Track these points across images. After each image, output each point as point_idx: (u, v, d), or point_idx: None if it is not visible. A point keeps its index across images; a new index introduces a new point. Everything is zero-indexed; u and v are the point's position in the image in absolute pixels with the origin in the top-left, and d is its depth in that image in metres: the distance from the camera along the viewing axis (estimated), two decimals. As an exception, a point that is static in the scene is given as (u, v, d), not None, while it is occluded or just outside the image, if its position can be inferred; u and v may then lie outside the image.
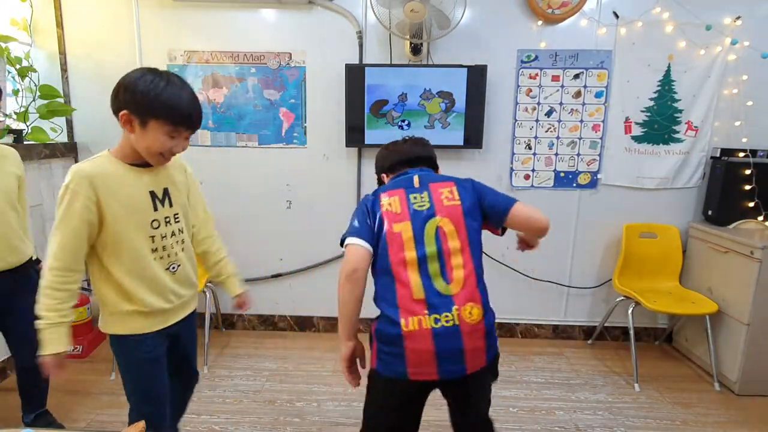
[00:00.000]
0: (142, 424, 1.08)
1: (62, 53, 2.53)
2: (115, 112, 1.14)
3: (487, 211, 1.23)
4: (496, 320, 1.22)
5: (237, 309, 1.56)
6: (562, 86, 2.52)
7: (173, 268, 1.29)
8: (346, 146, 2.55)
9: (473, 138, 2.50)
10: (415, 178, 1.27)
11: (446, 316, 1.09)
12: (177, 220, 1.29)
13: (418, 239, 1.15)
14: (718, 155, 2.49)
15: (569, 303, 2.75)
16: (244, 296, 1.53)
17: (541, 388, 2.27)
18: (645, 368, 2.43)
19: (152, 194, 1.23)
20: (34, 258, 1.75)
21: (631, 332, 2.35)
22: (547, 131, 2.57)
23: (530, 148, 2.59)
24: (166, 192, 1.26)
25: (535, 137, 2.58)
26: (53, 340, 1.15)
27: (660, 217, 2.63)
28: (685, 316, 2.52)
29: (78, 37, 2.53)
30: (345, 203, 2.69)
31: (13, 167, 1.63)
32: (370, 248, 1.17)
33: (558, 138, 2.57)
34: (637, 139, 2.56)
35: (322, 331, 2.85)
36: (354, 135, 2.51)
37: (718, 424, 2.01)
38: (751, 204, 2.45)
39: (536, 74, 2.51)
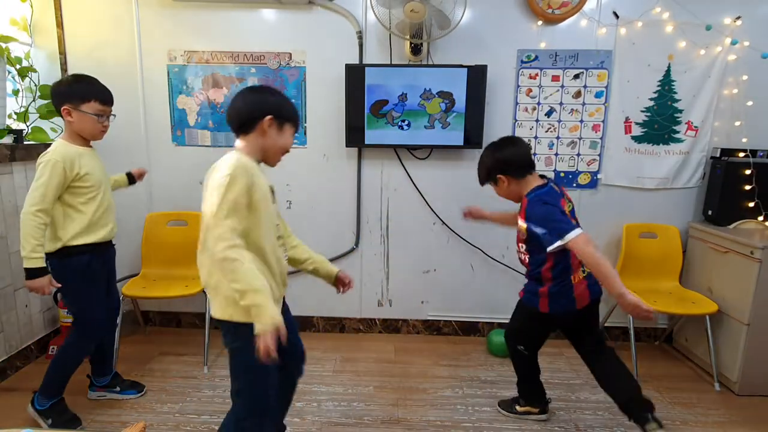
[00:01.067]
0: (142, 424, 1.09)
1: (62, 53, 2.53)
2: (258, 117, 1.33)
3: None
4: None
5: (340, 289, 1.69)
6: (562, 86, 2.52)
7: (285, 256, 1.49)
8: (346, 146, 2.55)
9: (473, 138, 2.50)
10: (554, 186, 1.75)
11: (586, 270, 1.71)
12: (279, 217, 1.49)
13: None
14: (718, 155, 2.49)
15: (569, 303, 2.75)
16: (342, 273, 1.69)
17: (541, 388, 2.27)
18: (645, 368, 2.43)
19: (270, 188, 1.40)
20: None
21: (631, 332, 2.35)
22: (547, 131, 2.57)
23: (530, 148, 2.59)
24: (272, 189, 1.41)
25: (535, 137, 2.58)
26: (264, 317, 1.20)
27: (660, 217, 2.63)
28: (685, 316, 2.52)
29: (78, 37, 2.53)
30: (345, 203, 2.69)
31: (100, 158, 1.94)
32: None
33: (558, 138, 2.57)
34: (637, 139, 2.56)
35: (322, 331, 2.85)
36: (354, 135, 2.51)
37: (718, 424, 2.01)
38: (751, 204, 2.45)
39: (536, 74, 2.52)
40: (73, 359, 1.87)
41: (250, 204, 1.26)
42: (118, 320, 2.30)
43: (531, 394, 2.01)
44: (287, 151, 1.43)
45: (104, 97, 1.78)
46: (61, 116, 1.75)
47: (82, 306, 1.86)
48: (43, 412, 1.84)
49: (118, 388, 2.09)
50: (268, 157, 1.41)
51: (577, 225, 1.60)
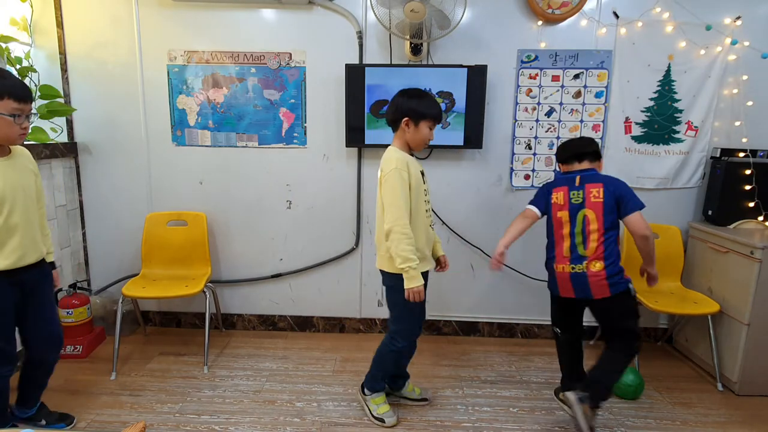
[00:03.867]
0: (142, 424, 1.09)
1: (62, 53, 2.53)
2: (399, 119, 1.80)
3: (620, 210, 1.85)
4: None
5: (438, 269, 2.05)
6: (562, 86, 2.52)
7: (432, 227, 1.92)
8: (346, 146, 2.55)
9: (473, 138, 2.50)
10: (577, 178, 1.91)
11: (579, 267, 1.86)
12: (426, 194, 1.87)
13: (572, 222, 1.89)
14: (718, 155, 2.49)
15: (569, 303, 2.75)
16: (444, 257, 2.05)
17: (541, 388, 2.27)
18: (646, 368, 2.43)
19: (422, 172, 1.86)
20: (48, 261, 1.79)
21: (632, 332, 2.34)
22: (547, 131, 2.57)
23: (530, 148, 2.59)
24: (423, 173, 1.87)
25: (535, 137, 2.58)
26: (415, 277, 1.72)
27: (660, 217, 2.63)
28: (687, 316, 2.52)
29: (78, 37, 2.53)
30: (345, 203, 2.69)
31: (30, 165, 1.69)
32: (539, 213, 1.98)
33: (558, 138, 2.57)
34: (637, 139, 2.56)
35: (322, 331, 2.85)
36: (354, 135, 2.51)
37: (718, 424, 2.01)
38: (751, 204, 2.45)
39: (536, 74, 2.52)
40: None
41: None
42: (119, 324, 2.30)
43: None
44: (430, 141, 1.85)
45: (20, 92, 1.50)
46: None
47: None
48: None
49: (43, 422, 1.84)
50: (416, 148, 1.87)
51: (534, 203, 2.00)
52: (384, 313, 2.83)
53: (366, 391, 2.03)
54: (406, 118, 1.78)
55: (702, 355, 2.46)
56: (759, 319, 2.14)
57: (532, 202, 2.00)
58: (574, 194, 1.88)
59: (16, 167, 1.62)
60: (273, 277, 2.77)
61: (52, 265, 1.83)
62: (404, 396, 2.12)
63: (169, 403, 2.07)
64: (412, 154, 1.84)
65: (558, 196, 1.92)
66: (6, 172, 1.56)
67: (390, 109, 1.83)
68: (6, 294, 1.61)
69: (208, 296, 2.41)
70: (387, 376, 2.04)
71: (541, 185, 2.08)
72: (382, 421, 1.95)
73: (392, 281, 1.83)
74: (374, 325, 2.84)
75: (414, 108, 1.77)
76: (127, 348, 2.55)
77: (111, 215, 2.72)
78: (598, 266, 1.82)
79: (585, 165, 1.93)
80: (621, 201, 1.82)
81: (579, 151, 1.94)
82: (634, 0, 2.42)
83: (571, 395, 1.81)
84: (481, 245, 2.69)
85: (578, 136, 2.56)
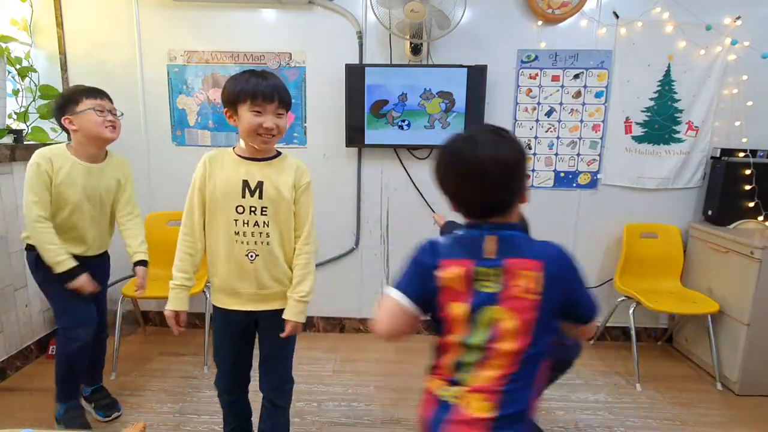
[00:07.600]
0: (142, 424, 1.09)
1: (62, 53, 2.53)
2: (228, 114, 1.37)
3: (569, 312, 0.97)
4: None
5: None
6: (562, 86, 2.52)
7: (251, 256, 1.41)
8: (346, 146, 2.55)
9: (473, 138, 2.49)
10: (489, 242, 0.95)
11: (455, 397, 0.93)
12: (264, 213, 1.38)
13: (472, 323, 0.93)
14: (718, 155, 2.49)
15: (569, 303, 2.75)
16: (289, 325, 1.45)
17: (542, 388, 2.27)
18: (645, 368, 2.42)
19: (245, 182, 1.37)
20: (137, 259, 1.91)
21: (632, 332, 2.35)
22: (547, 131, 2.57)
23: (530, 148, 2.59)
24: (260, 184, 1.37)
25: (535, 137, 2.58)
26: (175, 299, 1.50)
27: (660, 217, 2.63)
28: (686, 315, 2.52)
29: (78, 37, 2.53)
30: (345, 203, 2.69)
31: (117, 173, 1.86)
32: (414, 309, 0.99)
33: (558, 138, 2.57)
34: (638, 139, 2.56)
35: (322, 331, 2.85)
36: (354, 135, 2.51)
37: (718, 424, 2.01)
38: (751, 204, 2.45)
39: (536, 74, 2.51)
40: (63, 357, 1.79)
41: None
42: (119, 324, 2.30)
43: None
44: (260, 130, 1.32)
45: (94, 92, 1.72)
46: (67, 131, 1.73)
47: (52, 303, 1.84)
48: (60, 421, 1.80)
49: (93, 405, 1.96)
50: (250, 141, 1.36)
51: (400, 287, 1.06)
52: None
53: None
54: (225, 109, 1.36)
55: (702, 355, 2.46)
56: (759, 319, 2.14)
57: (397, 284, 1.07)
58: (484, 274, 0.93)
59: (102, 175, 1.78)
60: (273, 277, 2.77)
61: (142, 263, 1.89)
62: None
63: (169, 403, 2.07)
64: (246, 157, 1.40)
65: (453, 276, 0.96)
66: (92, 178, 1.74)
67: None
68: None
69: (208, 296, 2.41)
70: None
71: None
72: None
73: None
74: (374, 325, 2.84)
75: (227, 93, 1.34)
76: (127, 348, 2.55)
77: (111, 215, 2.72)
78: (484, 407, 0.89)
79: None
80: (575, 298, 0.96)
81: (492, 190, 1.02)
82: (634, 0, 2.42)
83: None
84: (481, 245, 2.69)
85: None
